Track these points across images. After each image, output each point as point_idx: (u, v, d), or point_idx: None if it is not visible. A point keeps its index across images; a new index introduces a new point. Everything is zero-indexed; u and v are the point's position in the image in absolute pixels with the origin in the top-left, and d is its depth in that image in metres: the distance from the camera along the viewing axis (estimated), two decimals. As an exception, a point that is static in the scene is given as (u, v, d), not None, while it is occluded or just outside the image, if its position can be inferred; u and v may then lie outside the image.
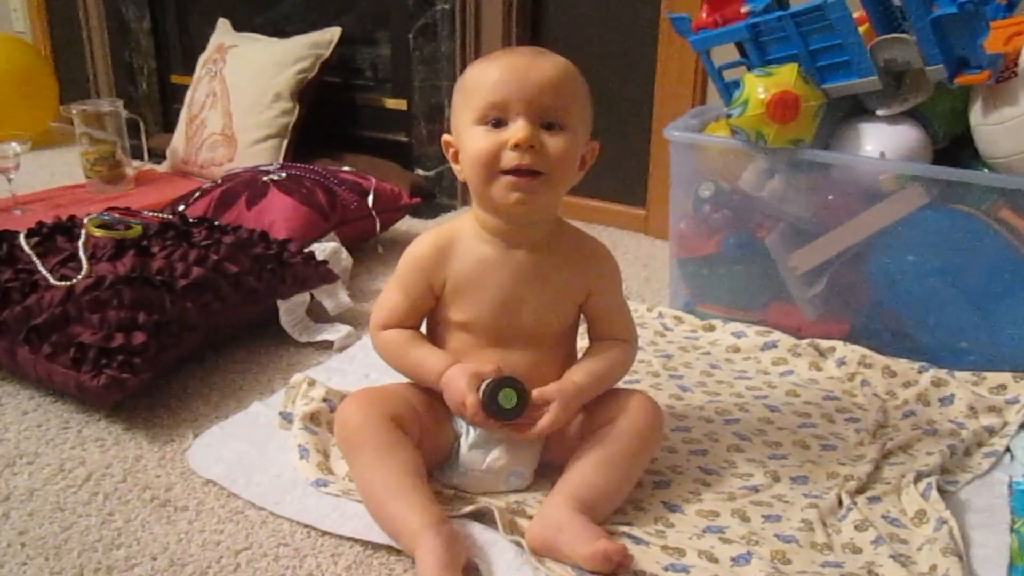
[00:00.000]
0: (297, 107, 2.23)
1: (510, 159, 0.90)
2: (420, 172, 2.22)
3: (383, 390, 1.00)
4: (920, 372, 1.26)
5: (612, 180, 1.97)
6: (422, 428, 0.97)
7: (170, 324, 1.18)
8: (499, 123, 0.90)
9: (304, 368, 1.33)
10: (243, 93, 2.27)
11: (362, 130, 2.36)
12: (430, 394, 1.00)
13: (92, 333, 1.13)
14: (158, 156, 2.53)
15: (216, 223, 1.43)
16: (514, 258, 0.97)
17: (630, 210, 2.00)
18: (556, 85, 0.91)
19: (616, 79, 1.94)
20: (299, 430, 1.08)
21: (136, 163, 2.38)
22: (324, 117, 2.36)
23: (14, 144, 2.04)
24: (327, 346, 1.39)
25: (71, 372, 1.12)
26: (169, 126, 2.67)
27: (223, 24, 2.47)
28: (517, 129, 0.89)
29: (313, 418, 1.10)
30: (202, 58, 2.43)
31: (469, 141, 0.92)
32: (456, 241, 0.98)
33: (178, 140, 2.40)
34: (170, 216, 1.43)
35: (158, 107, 2.80)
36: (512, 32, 2.00)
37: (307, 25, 2.36)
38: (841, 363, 1.32)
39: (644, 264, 1.81)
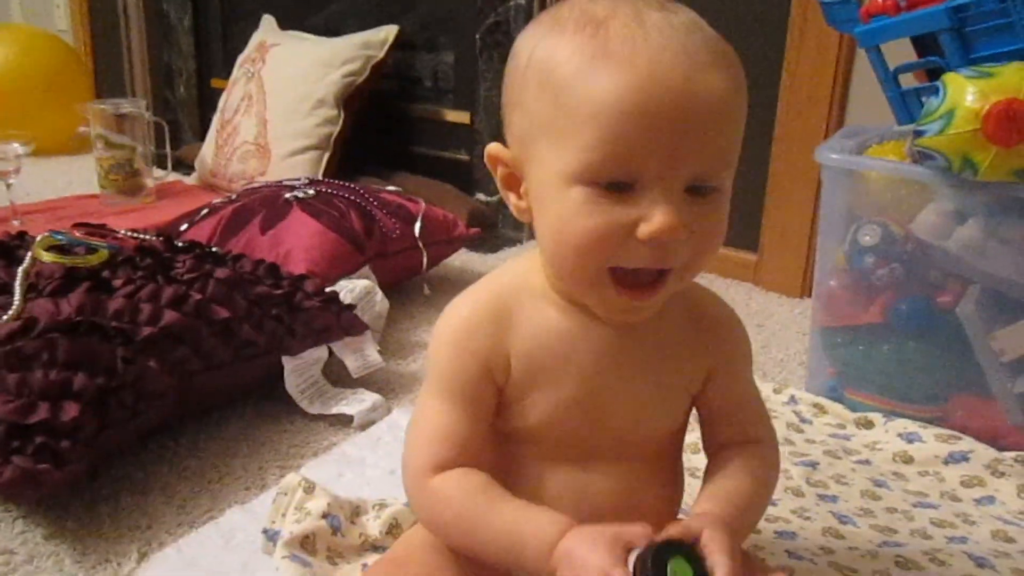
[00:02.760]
0: (342, 115, 1.92)
1: (639, 256, 0.54)
2: (481, 197, 1.89)
3: (417, 550, 0.63)
4: None
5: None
6: None
7: (121, 391, 0.84)
8: (620, 185, 0.53)
9: (312, 451, 0.98)
10: (281, 97, 1.96)
11: (416, 146, 2.04)
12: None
13: (5, 400, 0.79)
14: (187, 167, 2.24)
15: (211, 250, 1.09)
16: (601, 333, 0.60)
17: (736, 254, 1.61)
18: (724, 114, 0.53)
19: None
20: (283, 559, 0.73)
21: (159, 173, 2.09)
22: (373, 129, 2.04)
23: (16, 145, 1.75)
24: (346, 421, 1.04)
25: (-28, 454, 0.79)
26: (206, 134, 2.39)
27: (267, 21, 2.17)
28: (655, 207, 0.53)
29: (306, 543, 0.75)
30: (240, 57, 2.13)
31: (560, 205, 0.55)
32: (514, 305, 0.62)
33: (207, 149, 2.10)
34: (150, 238, 1.09)
35: (195, 113, 2.53)
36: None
37: (363, 26, 2.04)
38: (1067, 493, 0.92)
39: (758, 324, 1.43)
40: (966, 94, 0.88)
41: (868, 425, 1.06)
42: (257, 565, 0.77)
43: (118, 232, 1.12)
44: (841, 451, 1.02)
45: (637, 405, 0.62)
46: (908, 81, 1.06)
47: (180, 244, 1.08)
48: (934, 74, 1.01)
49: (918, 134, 0.93)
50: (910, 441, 1.02)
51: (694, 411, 0.68)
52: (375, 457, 0.97)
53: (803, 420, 1.09)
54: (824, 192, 1.09)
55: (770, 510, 0.89)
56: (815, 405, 1.11)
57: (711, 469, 0.66)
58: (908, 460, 1.00)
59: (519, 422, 0.62)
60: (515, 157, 0.59)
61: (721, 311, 0.67)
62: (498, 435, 0.63)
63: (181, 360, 0.92)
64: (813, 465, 0.98)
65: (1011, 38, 0.91)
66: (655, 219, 0.52)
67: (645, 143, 0.51)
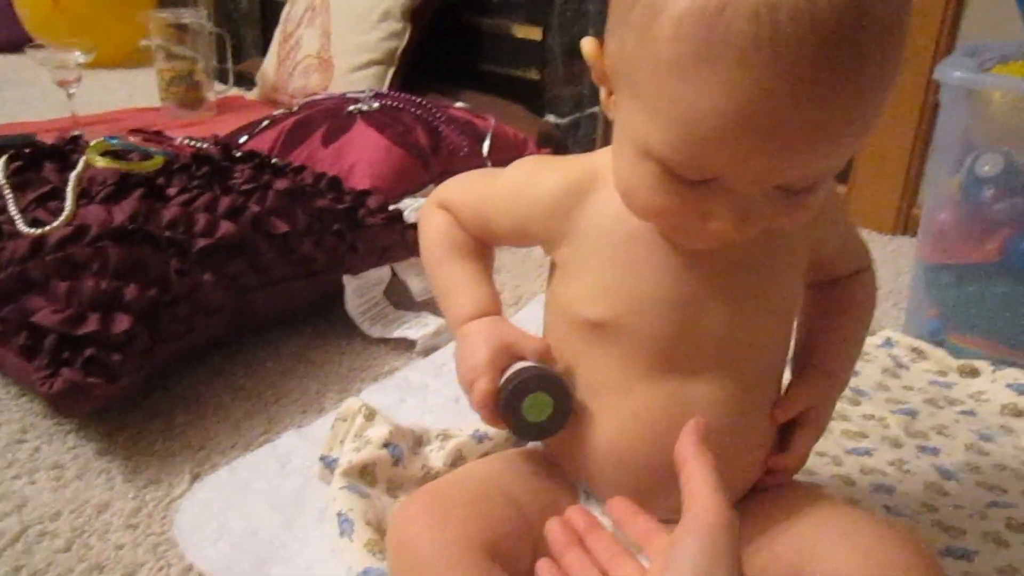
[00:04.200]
0: (409, 29, 1.83)
1: (701, 237, 0.50)
2: (552, 118, 1.79)
3: (471, 489, 0.57)
4: None
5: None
6: (540, 547, 0.55)
7: (175, 304, 0.80)
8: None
9: (372, 376, 0.94)
10: (345, 9, 1.87)
11: (485, 63, 1.94)
12: (551, 475, 0.58)
13: (54, 310, 0.75)
14: (248, 82, 2.18)
15: (271, 160, 1.03)
16: None
17: (824, 186, 1.50)
18: (852, 118, 0.43)
19: None
20: (340, 490, 0.68)
21: (220, 87, 2.04)
22: (440, 44, 1.95)
23: (77, 53, 1.71)
24: (407, 346, 0.98)
25: (23, 363, 0.75)
26: (268, 49, 2.32)
27: (334, -72, 2.07)
28: (728, 207, 0.46)
29: (365, 473, 0.71)
30: (305, -34, 2.04)
31: (634, 168, 0.48)
32: (598, 189, 0.55)
33: (269, 63, 2.03)
34: (207, 146, 1.04)
35: (257, 26, 2.46)
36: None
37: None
38: None
39: (847, 261, 1.33)
40: (1126, 1, 0.77)
41: (973, 373, 0.97)
42: (312, 492, 0.73)
43: (174, 139, 1.07)
44: (943, 400, 0.94)
45: (740, 304, 0.54)
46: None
47: (239, 154, 1.03)
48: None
49: (1062, 48, 0.82)
50: (1021, 393, 0.92)
51: None
52: (438, 384, 0.91)
53: (900, 365, 1.00)
54: (941, 115, 0.98)
55: (866, 460, 0.81)
56: (914, 349, 1.02)
57: (816, 308, 0.63)
58: (1018, 413, 0.91)
59: (594, 311, 0.55)
60: (608, 72, 0.50)
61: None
62: (579, 325, 0.56)
63: (237, 274, 0.87)
64: (912, 414, 0.90)
65: None
66: (725, 219, 0.46)
67: (730, 158, 0.44)
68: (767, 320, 0.56)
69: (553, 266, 0.59)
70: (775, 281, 0.56)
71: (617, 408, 0.55)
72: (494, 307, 0.60)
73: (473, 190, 0.62)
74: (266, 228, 0.90)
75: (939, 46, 1.32)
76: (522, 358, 0.56)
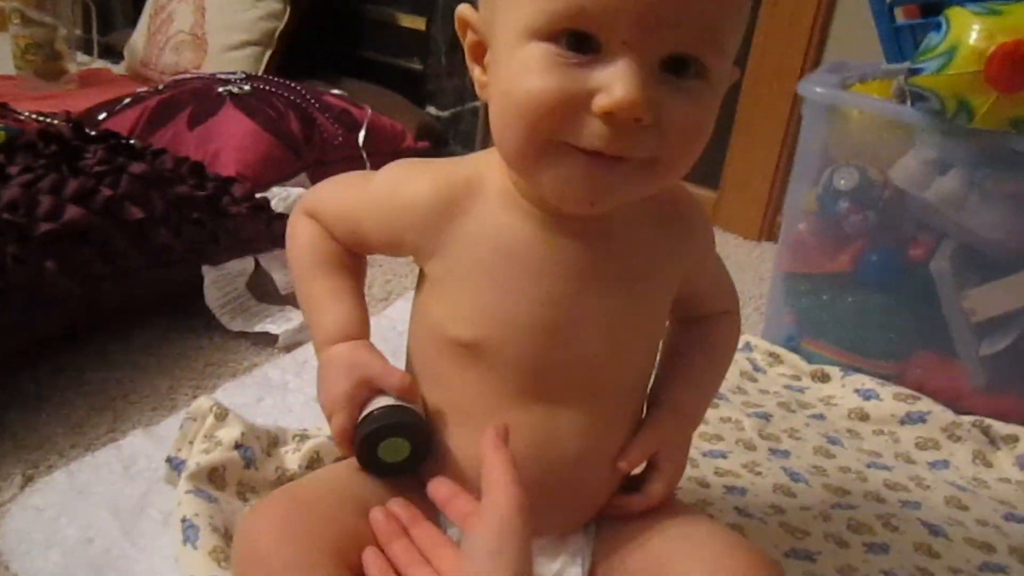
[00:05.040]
0: (288, 10, 1.77)
1: (592, 133, 0.45)
2: (432, 111, 1.77)
3: (325, 496, 0.54)
4: None
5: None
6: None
7: (11, 293, 0.74)
8: (582, 43, 0.44)
9: (230, 372, 0.90)
10: (223, -16, 1.80)
11: (368, 51, 1.90)
12: (408, 484, 0.57)
13: None
14: (117, 55, 2.07)
15: (129, 141, 0.98)
16: (566, 242, 0.52)
17: (696, 191, 1.54)
18: None
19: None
20: (186, 494, 0.65)
21: (84, 59, 1.92)
22: (323, 29, 1.90)
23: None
24: (269, 341, 0.95)
25: None
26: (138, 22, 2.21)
27: (214, -102, 1.99)
28: (618, 77, 0.43)
29: (214, 476, 0.67)
30: (180, -63, 1.95)
31: (513, 63, 0.46)
32: (474, 196, 0.53)
33: (139, 36, 1.93)
34: (58, 123, 0.97)
35: (130, -3, 2.32)
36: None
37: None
38: (1024, 462, 0.89)
39: (715, 266, 1.36)
40: (971, 31, 0.81)
41: (824, 378, 1.02)
42: (157, 497, 0.70)
43: (20, 114, 1.00)
44: (795, 404, 0.97)
45: (610, 331, 0.53)
46: (899, 17, 0.99)
47: (92, 133, 0.97)
48: (930, 10, 0.94)
49: (913, 72, 0.86)
50: (867, 398, 0.97)
51: None
52: (299, 382, 0.89)
53: (757, 368, 1.04)
54: (803, 129, 1.01)
55: (720, 463, 0.84)
56: (771, 354, 1.06)
57: (675, 345, 0.63)
58: (864, 418, 0.95)
59: (464, 331, 0.53)
60: (483, 19, 0.49)
61: (686, 201, 0.58)
62: (447, 345, 0.54)
63: (85, 262, 0.82)
64: (766, 417, 0.93)
65: (1022, -26, 0.84)
66: (614, 90, 0.43)
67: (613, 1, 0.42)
68: (637, 344, 0.56)
69: (423, 278, 0.57)
70: (648, 303, 0.56)
71: (484, 433, 0.53)
72: (360, 330, 0.57)
73: (344, 195, 0.58)
74: (119, 214, 0.85)
75: (807, 61, 1.37)
76: (384, 392, 0.54)
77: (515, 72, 0.45)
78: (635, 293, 0.54)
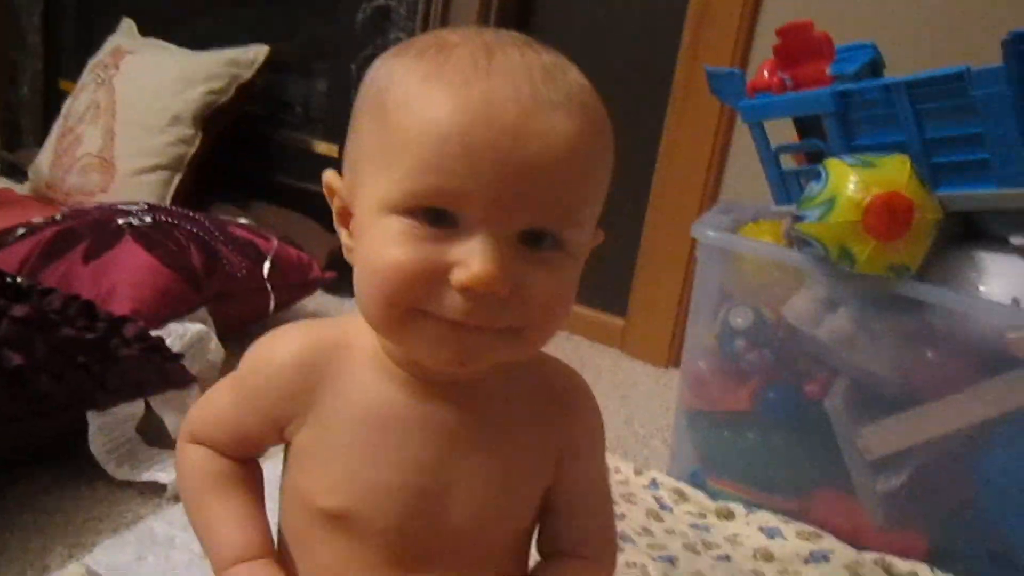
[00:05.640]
0: (200, 136, 1.77)
1: (452, 306, 0.45)
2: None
3: None
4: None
5: (583, 275, 1.54)
6: None
7: None
8: (440, 218, 0.45)
9: (112, 526, 0.85)
10: (134, 109, 1.79)
11: (281, 176, 1.90)
12: None
13: None
14: (20, 174, 2.02)
15: (13, 280, 0.94)
16: (436, 408, 0.51)
17: (603, 317, 1.56)
18: (567, 161, 0.45)
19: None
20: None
21: (-15, 179, 1.88)
22: (235, 153, 1.90)
23: None
24: (157, 490, 0.90)
25: None
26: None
27: (127, 25, 2.00)
28: (475, 251, 0.44)
29: (80, 655, 0.62)
30: (92, 61, 1.95)
31: (374, 233, 0.47)
32: (341, 360, 0.52)
33: (44, 156, 1.90)
34: (-63, 264, 0.93)
35: (39, 116, 2.30)
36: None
37: (235, 44, 1.90)
38: (925, 600, 0.90)
39: (623, 396, 1.37)
40: (848, 183, 0.86)
41: (729, 516, 1.01)
42: None
43: (-100, 252, 0.95)
44: (700, 545, 0.96)
45: (481, 498, 0.52)
46: (787, 162, 1.04)
47: (-26, 272, 0.93)
48: (814, 157, 0.99)
49: (797, 219, 0.90)
50: (771, 536, 0.97)
51: None
52: (186, 537, 0.84)
53: (663, 507, 1.03)
54: (698, 269, 1.04)
55: (624, 615, 0.82)
56: (676, 491, 1.05)
57: None
58: (769, 558, 0.95)
59: (331, 501, 0.51)
60: (348, 186, 0.50)
61: (571, 383, 0.58)
62: (315, 516, 0.52)
63: (-46, 415, 0.77)
64: (672, 561, 0.92)
65: (893, 129, 0.89)
66: (472, 264, 0.44)
67: (468, 176, 0.43)
68: (510, 511, 0.55)
69: (289, 450, 0.55)
70: (520, 474, 0.54)
71: None
72: (259, 548, 0.54)
73: (217, 403, 0.57)
74: (-5, 361, 0.81)
75: (704, 197, 1.43)
76: None
77: (377, 242, 0.46)
78: (507, 462, 0.53)
